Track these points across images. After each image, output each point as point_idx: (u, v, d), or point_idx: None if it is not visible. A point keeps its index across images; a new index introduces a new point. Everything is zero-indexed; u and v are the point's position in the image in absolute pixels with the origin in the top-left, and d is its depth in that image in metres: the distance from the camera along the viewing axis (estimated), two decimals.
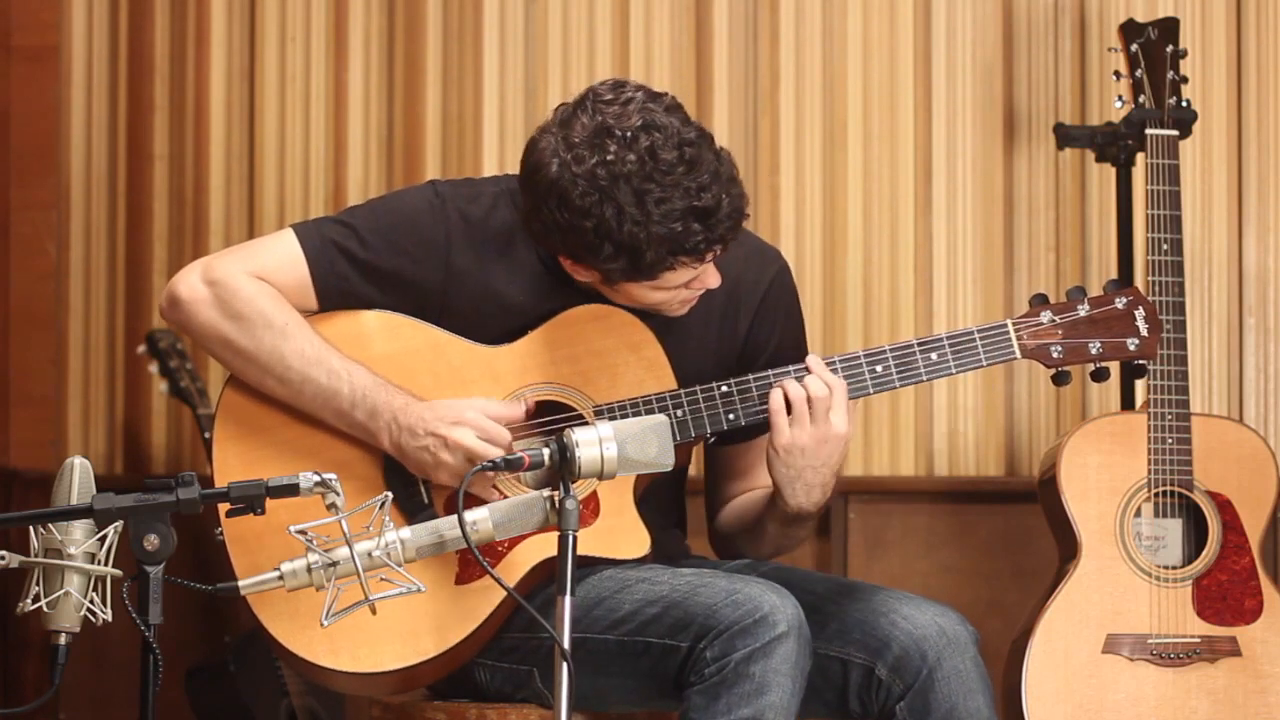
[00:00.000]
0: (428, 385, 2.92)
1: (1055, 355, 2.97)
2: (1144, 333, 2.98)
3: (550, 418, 2.93)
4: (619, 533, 2.89)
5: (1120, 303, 2.99)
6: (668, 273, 2.83)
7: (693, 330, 3.01)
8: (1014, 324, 2.97)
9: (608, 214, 2.76)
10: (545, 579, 2.85)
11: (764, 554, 3.08)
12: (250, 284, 2.90)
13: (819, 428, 2.88)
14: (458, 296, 2.95)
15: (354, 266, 2.93)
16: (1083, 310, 2.98)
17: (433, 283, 2.94)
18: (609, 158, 2.76)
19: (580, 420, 2.92)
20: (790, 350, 3.05)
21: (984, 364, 2.95)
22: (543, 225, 2.83)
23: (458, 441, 2.83)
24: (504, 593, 2.78)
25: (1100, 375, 3.00)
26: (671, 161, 2.76)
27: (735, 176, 2.81)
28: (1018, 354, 2.96)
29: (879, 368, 2.94)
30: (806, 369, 2.91)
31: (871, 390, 2.94)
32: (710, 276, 2.89)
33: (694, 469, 3.19)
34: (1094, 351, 2.98)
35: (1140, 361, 3.00)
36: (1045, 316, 2.97)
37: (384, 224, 2.95)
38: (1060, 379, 2.98)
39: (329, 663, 2.85)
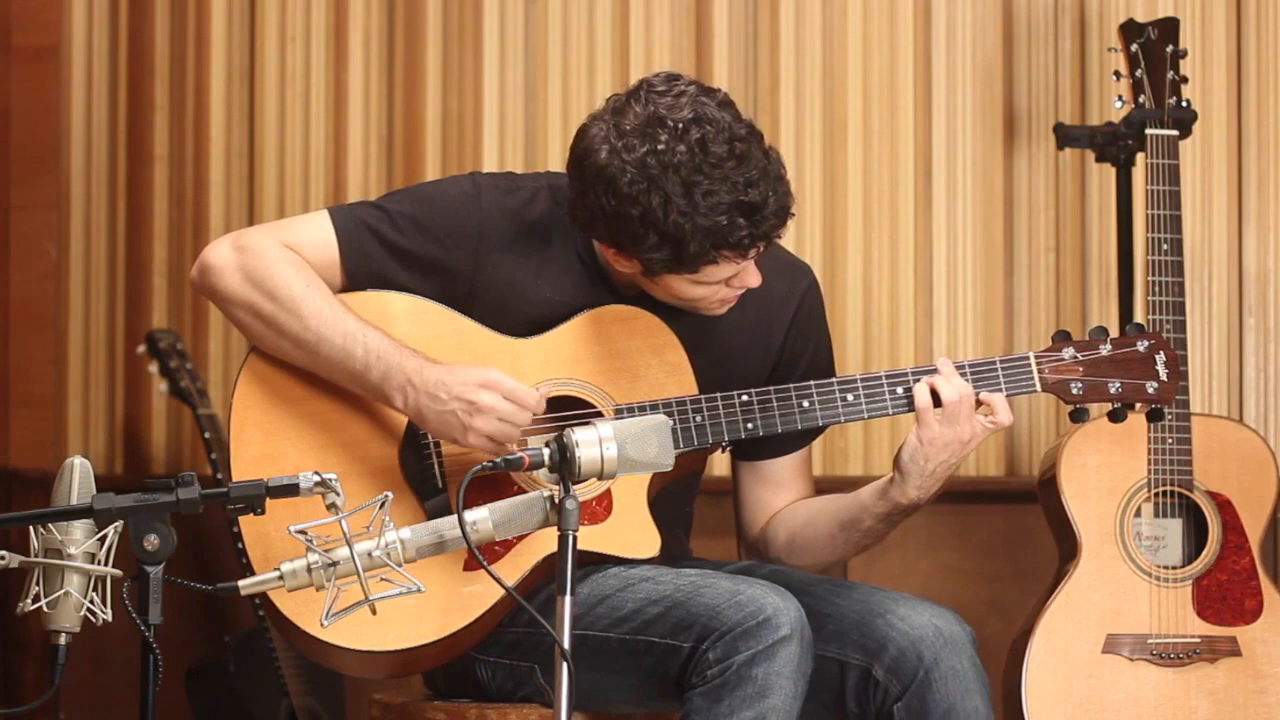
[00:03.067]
0: None
1: (1075, 391, 2.98)
2: (1163, 377, 3.00)
3: (569, 413, 2.94)
4: (631, 532, 2.90)
5: (1142, 346, 3.01)
6: (709, 266, 2.83)
7: (721, 339, 3.02)
8: (1036, 357, 2.98)
9: (655, 203, 2.77)
10: (551, 574, 2.85)
11: (840, 555, 3.09)
12: (276, 250, 2.92)
13: (963, 426, 2.90)
14: (486, 286, 2.96)
15: (384, 248, 2.94)
16: (1104, 350, 3.00)
17: (462, 271, 2.95)
18: (660, 147, 2.76)
19: (600, 418, 2.93)
20: (822, 364, 3.08)
21: (1005, 394, 2.96)
22: (588, 212, 2.83)
23: (489, 405, 2.82)
24: (511, 579, 2.79)
25: (1117, 416, 3.02)
26: (721, 155, 2.77)
27: (783, 175, 2.82)
28: (1038, 387, 2.97)
29: (900, 389, 2.95)
30: (935, 369, 2.93)
31: (891, 411, 2.95)
32: (751, 275, 2.90)
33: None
34: (1113, 391, 3.00)
35: (1157, 405, 3.02)
36: (1067, 353, 2.99)
37: (417, 210, 2.96)
38: (1078, 416, 3.00)
39: (331, 638, 2.85)
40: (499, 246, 2.96)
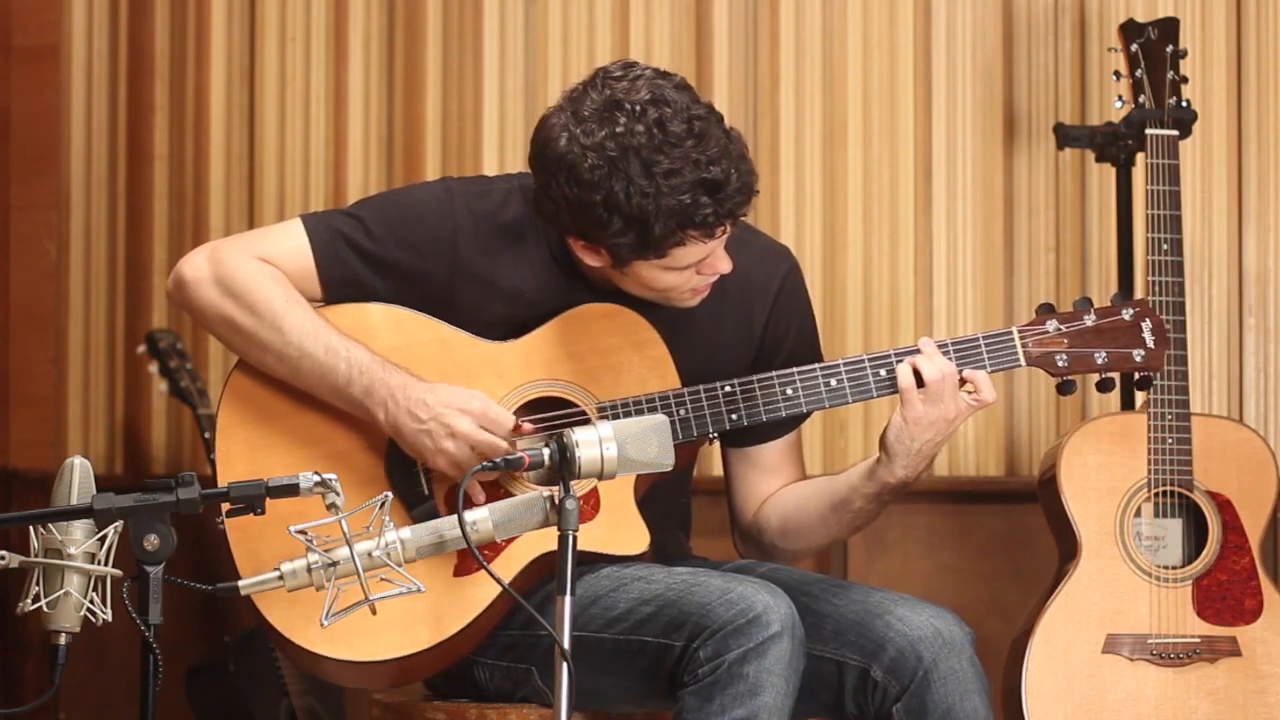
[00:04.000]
0: (432, 378, 2.92)
1: (1060, 364, 2.98)
2: (1150, 345, 2.99)
3: (553, 413, 2.94)
4: (618, 529, 2.89)
5: (1127, 314, 3.00)
6: (677, 249, 2.82)
7: (703, 330, 3.01)
8: (1019, 331, 2.97)
9: (616, 187, 2.76)
10: (544, 574, 2.85)
11: (834, 536, 3.08)
12: (252, 264, 2.91)
13: (947, 404, 2.90)
14: (463, 291, 2.95)
15: (359, 257, 2.93)
16: (1089, 320, 2.99)
17: (438, 276, 2.95)
18: (618, 130, 2.76)
19: (583, 417, 2.93)
20: (805, 348, 3.07)
21: (989, 370, 2.95)
22: (552, 203, 2.83)
23: (464, 432, 2.83)
24: (506, 576, 2.79)
25: (1105, 386, 3.01)
26: (680, 134, 2.77)
27: (745, 154, 2.82)
28: (1022, 361, 2.96)
29: (883, 371, 2.94)
30: (916, 350, 2.93)
31: (875, 394, 2.95)
32: (721, 260, 2.89)
33: (703, 470, 3.19)
34: (1099, 361, 2.98)
35: (1146, 373, 3.01)
36: (1051, 325, 2.98)
37: (391, 216, 2.96)
38: (1065, 388, 2.99)
39: (326, 651, 2.85)
40: (474, 250, 2.95)
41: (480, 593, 2.85)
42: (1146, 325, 3.00)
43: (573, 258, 2.96)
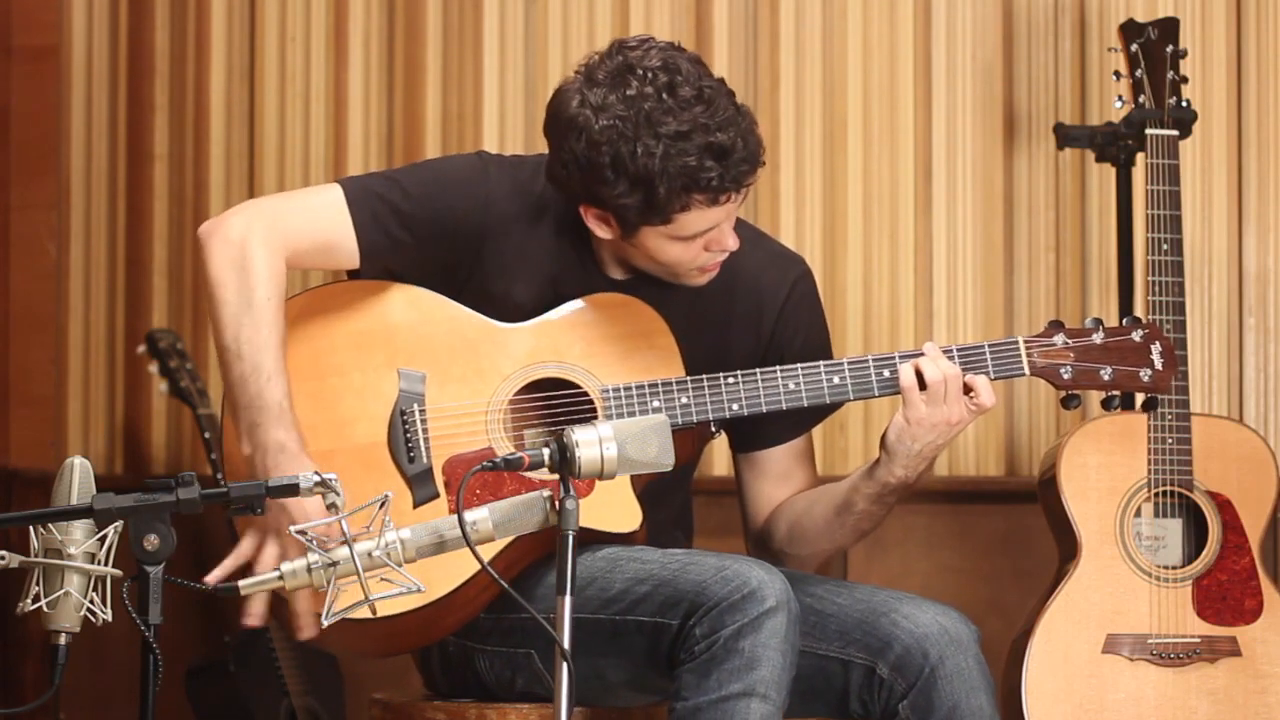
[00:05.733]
0: (442, 355, 2.97)
1: (1065, 376, 2.98)
2: (1158, 366, 3.00)
3: (557, 393, 2.98)
4: (612, 507, 2.91)
5: (1137, 335, 3.00)
6: (682, 215, 2.84)
7: (712, 331, 3.04)
8: (1025, 341, 2.98)
9: (623, 147, 2.80)
10: (539, 551, 2.87)
11: (838, 542, 3.08)
12: (269, 261, 2.90)
13: (950, 407, 2.91)
14: (490, 255, 2.99)
15: (396, 217, 2.96)
16: (1097, 338, 3.00)
17: (470, 239, 2.98)
18: (629, 92, 2.81)
19: (586, 399, 2.96)
20: (815, 354, 3.08)
21: (992, 378, 2.96)
22: (563, 167, 2.87)
23: (290, 541, 2.80)
24: (488, 555, 2.80)
25: (1109, 403, 3.02)
26: (689, 98, 2.81)
27: (754, 129, 2.86)
28: (1026, 371, 2.97)
29: (886, 372, 2.95)
30: (920, 353, 2.94)
31: (877, 393, 2.96)
32: (728, 237, 2.92)
33: (703, 470, 3.19)
34: (1105, 378, 2.98)
35: (1152, 395, 3.02)
36: (1058, 339, 2.99)
37: (428, 178, 3.00)
38: (1069, 402, 2.99)
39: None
40: (506, 216, 2.99)
41: (466, 562, 2.85)
42: (1156, 348, 3.00)
43: (590, 244, 2.99)
